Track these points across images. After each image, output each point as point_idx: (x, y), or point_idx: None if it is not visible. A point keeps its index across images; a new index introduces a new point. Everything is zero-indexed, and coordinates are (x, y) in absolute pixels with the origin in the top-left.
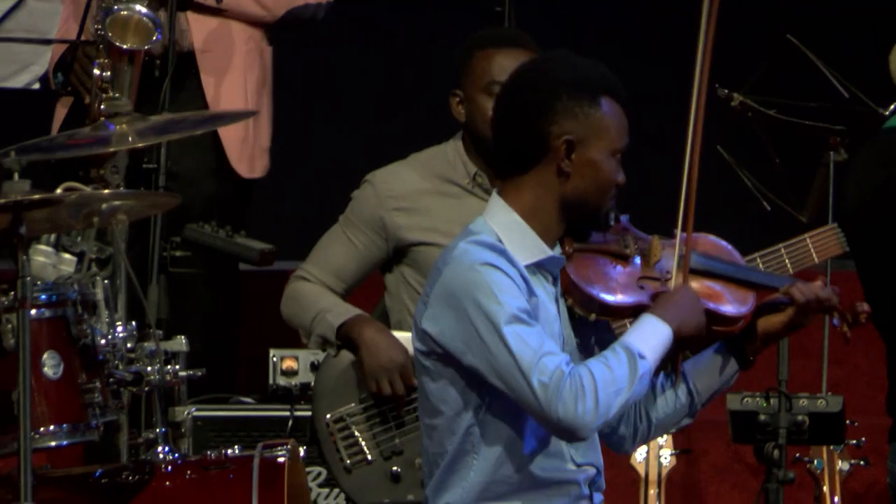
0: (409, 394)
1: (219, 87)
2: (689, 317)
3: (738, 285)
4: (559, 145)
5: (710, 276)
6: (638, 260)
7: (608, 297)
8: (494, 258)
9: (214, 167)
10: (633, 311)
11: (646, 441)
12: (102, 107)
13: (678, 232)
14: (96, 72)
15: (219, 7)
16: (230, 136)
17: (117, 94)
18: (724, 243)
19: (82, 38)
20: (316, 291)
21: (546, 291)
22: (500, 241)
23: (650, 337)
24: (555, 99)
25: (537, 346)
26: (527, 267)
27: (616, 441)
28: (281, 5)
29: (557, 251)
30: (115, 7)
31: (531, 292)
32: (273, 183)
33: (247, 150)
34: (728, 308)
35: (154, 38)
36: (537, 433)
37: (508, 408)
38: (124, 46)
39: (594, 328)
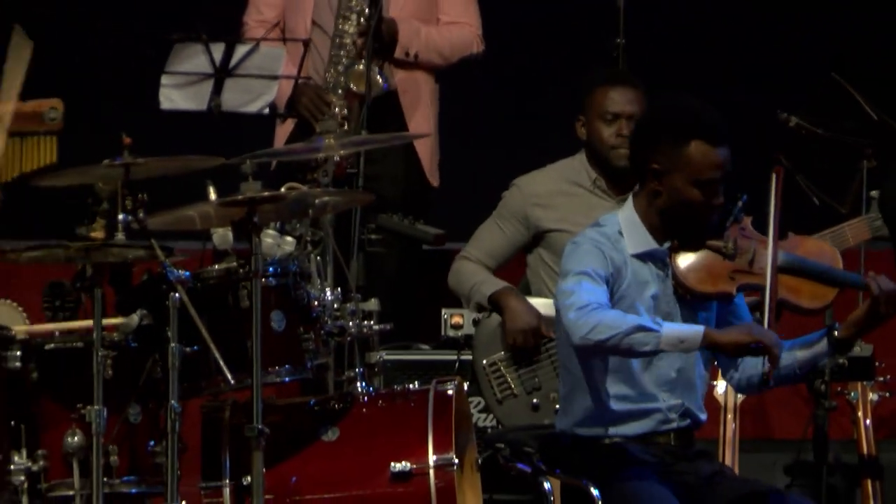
0: (541, 345)
1: (411, 117)
2: (729, 332)
3: (821, 283)
4: (650, 172)
5: (796, 273)
6: (735, 255)
7: (698, 286)
8: (597, 235)
9: (410, 175)
10: (718, 297)
11: (761, 390)
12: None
13: (770, 239)
14: (335, 110)
15: (414, 61)
16: (425, 154)
17: (331, 122)
18: (828, 247)
19: (307, 79)
20: (473, 269)
21: (653, 274)
22: (621, 230)
23: (683, 325)
24: (654, 138)
25: (588, 291)
26: (637, 255)
27: (739, 388)
28: (455, 55)
29: (667, 245)
30: (358, 63)
31: (620, 271)
32: (445, 185)
33: (434, 165)
34: (805, 302)
35: (382, 88)
36: (628, 382)
37: (608, 362)
38: (363, 93)
39: (705, 302)
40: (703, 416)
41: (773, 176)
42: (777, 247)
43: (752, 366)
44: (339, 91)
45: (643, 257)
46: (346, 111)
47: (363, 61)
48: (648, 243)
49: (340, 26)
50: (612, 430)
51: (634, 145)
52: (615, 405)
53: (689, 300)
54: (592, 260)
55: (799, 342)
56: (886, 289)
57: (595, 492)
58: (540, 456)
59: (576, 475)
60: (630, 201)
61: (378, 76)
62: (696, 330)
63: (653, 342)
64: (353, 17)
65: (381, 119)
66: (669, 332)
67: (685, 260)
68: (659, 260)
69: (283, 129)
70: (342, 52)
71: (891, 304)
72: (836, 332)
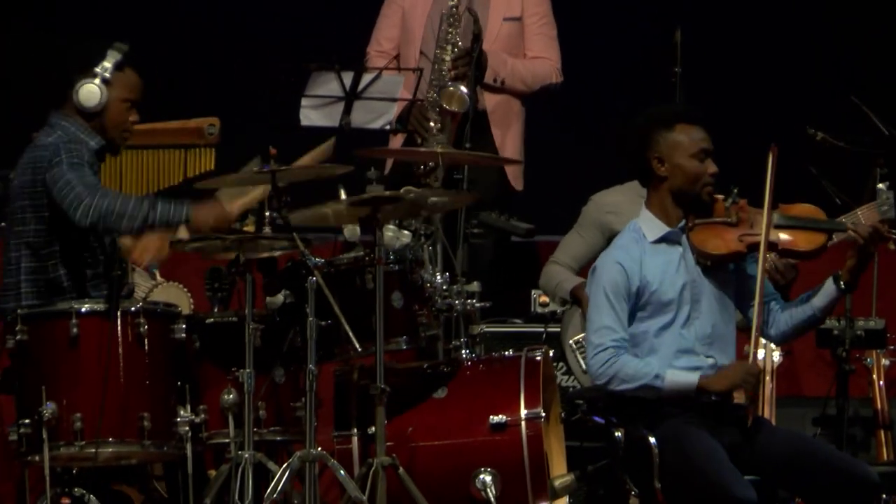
0: None
1: (503, 136)
2: (720, 378)
3: (812, 232)
4: (654, 162)
5: (790, 229)
6: (739, 224)
7: (715, 252)
8: (622, 256)
9: (500, 180)
10: (734, 258)
11: (791, 339)
12: (424, 141)
13: (766, 208)
14: (431, 123)
15: (501, 86)
16: (511, 169)
17: (440, 136)
18: (810, 207)
19: (420, 100)
20: (559, 270)
21: (671, 253)
22: (641, 227)
23: (682, 375)
24: (646, 138)
25: (608, 319)
26: (656, 241)
27: (773, 339)
28: (536, 84)
29: (680, 225)
30: (447, 84)
31: (642, 272)
32: (534, 190)
33: (518, 173)
34: (802, 246)
35: (467, 106)
36: (672, 346)
37: (654, 330)
38: (454, 109)
39: (723, 267)
40: None
41: (770, 155)
42: (771, 210)
43: (796, 305)
44: (436, 109)
45: (661, 241)
46: (439, 125)
47: (453, 83)
48: (663, 229)
49: (439, 55)
50: None
51: (630, 153)
52: (667, 362)
53: (710, 266)
54: (612, 280)
55: (814, 293)
56: (870, 229)
57: (652, 440)
58: (606, 409)
59: (634, 426)
60: (642, 208)
61: (463, 94)
62: (691, 381)
63: (654, 395)
64: (449, 47)
65: (474, 135)
66: (669, 386)
67: (697, 236)
68: (674, 241)
69: (396, 141)
70: (441, 76)
71: (873, 240)
72: (840, 279)
